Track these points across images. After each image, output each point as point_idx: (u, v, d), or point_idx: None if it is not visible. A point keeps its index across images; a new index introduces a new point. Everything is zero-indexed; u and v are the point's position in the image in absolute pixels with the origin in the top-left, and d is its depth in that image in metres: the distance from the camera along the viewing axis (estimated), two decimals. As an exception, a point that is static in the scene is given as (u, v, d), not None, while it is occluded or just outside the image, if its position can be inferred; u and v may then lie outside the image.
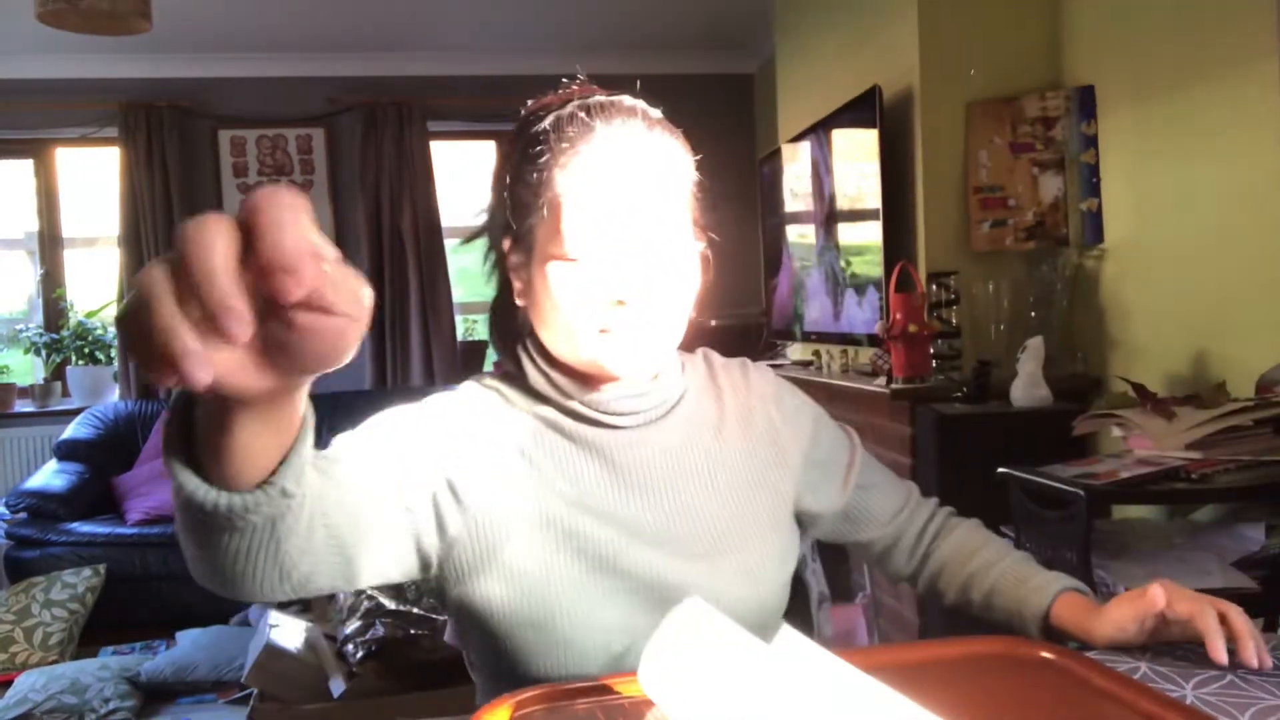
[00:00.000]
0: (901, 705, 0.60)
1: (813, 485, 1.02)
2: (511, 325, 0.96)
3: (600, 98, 0.88)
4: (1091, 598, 0.95)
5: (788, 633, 0.64)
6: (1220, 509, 2.04)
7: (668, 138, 0.88)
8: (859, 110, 3.00)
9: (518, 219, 0.88)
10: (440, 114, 4.80)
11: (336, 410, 4.48)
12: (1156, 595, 0.85)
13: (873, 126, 2.87)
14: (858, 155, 3.09)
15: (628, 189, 0.84)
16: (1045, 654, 0.82)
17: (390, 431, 0.85)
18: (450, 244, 4.94)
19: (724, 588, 0.89)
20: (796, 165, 3.79)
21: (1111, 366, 2.53)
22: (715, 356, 1.05)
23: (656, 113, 0.89)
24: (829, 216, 3.41)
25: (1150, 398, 1.95)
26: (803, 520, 1.04)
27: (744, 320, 4.48)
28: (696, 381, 0.99)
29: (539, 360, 0.92)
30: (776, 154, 4.03)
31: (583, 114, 0.86)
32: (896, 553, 1.10)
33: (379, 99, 4.68)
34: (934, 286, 2.68)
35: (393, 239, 4.73)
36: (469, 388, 0.94)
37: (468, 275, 5.48)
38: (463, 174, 5.28)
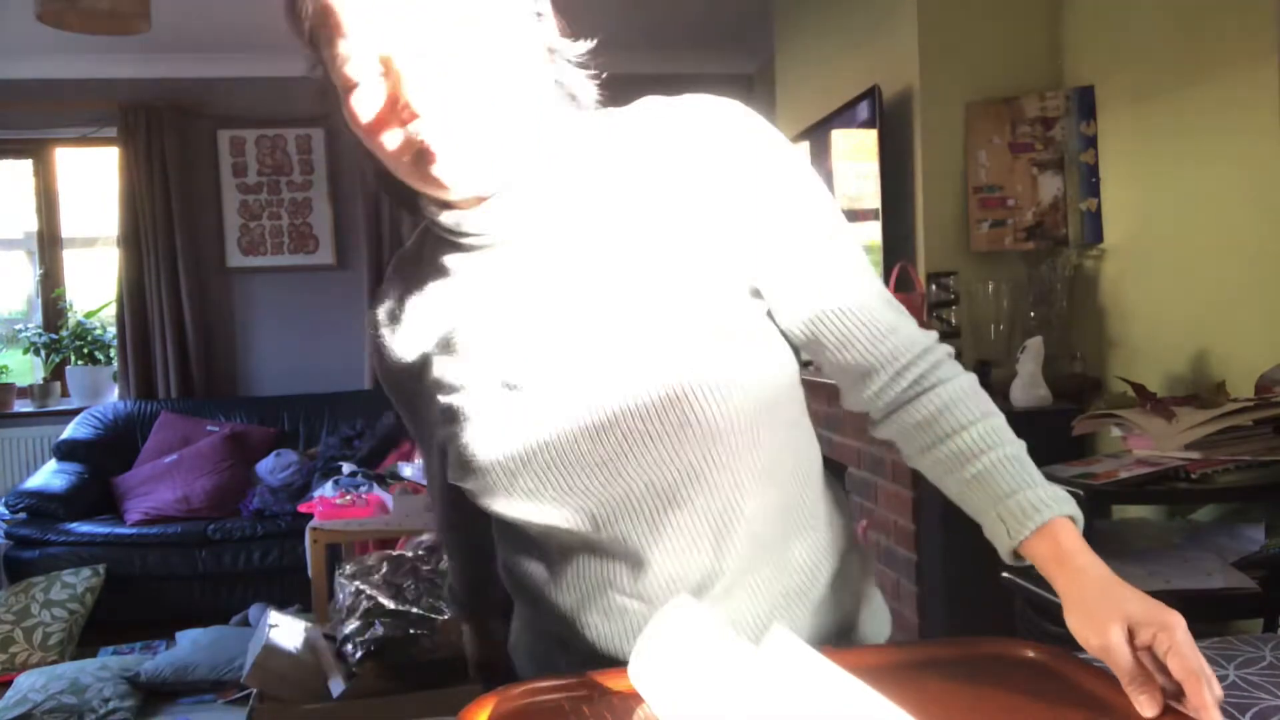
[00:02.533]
0: (885, 709, 0.60)
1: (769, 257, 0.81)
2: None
3: None
4: (1078, 527, 0.79)
5: (779, 632, 0.64)
6: (1220, 509, 2.04)
7: None
8: (858, 110, 3.00)
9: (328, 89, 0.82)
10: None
11: (336, 410, 4.50)
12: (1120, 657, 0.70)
13: (872, 126, 2.87)
14: (857, 155, 3.09)
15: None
16: (1037, 656, 0.80)
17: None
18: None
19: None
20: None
21: (1111, 366, 2.53)
22: (649, 105, 0.85)
23: None
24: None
25: (1150, 398, 1.95)
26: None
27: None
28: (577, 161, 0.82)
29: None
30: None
31: None
32: (866, 382, 0.86)
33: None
34: (933, 287, 2.68)
35: (392, 239, 4.73)
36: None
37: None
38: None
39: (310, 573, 2.98)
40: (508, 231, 0.80)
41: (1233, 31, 2.15)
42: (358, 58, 0.74)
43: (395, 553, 2.66)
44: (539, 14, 0.80)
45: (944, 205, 2.76)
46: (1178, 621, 0.68)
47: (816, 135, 3.46)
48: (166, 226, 4.57)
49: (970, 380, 0.86)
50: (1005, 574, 1.99)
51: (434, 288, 0.86)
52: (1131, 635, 0.70)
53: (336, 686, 2.33)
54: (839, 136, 3.26)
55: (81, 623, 3.54)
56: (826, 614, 0.91)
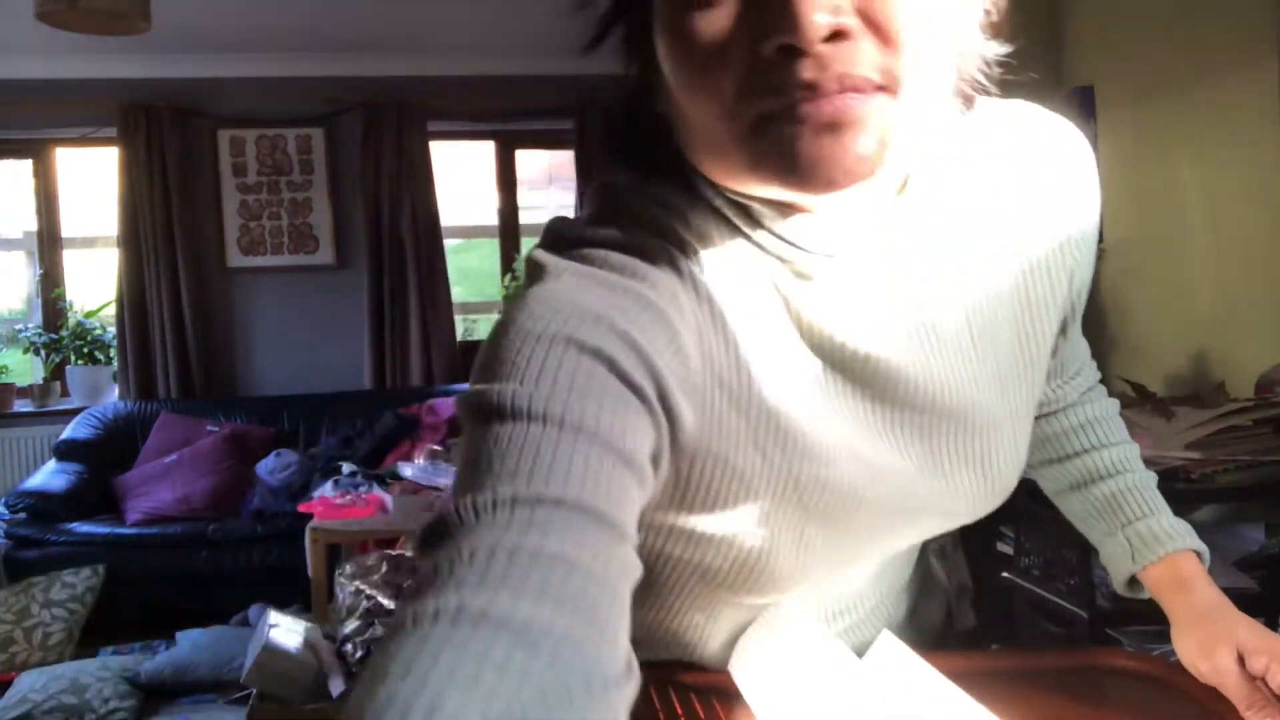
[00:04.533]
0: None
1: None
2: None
3: None
4: (1204, 563, 0.80)
5: (886, 639, 0.63)
6: (1220, 509, 2.04)
7: None
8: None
9: None
10: (440, 114, 4.81)
11: (335, 410, 4.50)
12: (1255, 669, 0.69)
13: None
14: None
15: None
16: (1146, 668, 0.77)
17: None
18: (450, 244, 4.95)
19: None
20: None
21: (1111, 366, 2.53)
22: (1030, 111, 0.69)
23: None
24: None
25: (1150, 397, 1.95)
26: None
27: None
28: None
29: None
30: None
31: None
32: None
33: (378, 99, 4.68)
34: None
35: (392, 239, 4.74)
36: None
37: (467, 275, 5.50)
38: (462, 174, 5.29)
39: (310, 573, 2.98)
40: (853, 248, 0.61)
41: (1231, 32, 2.15)
42: None
43: (395, 553, 2.66)
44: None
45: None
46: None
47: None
48: (166, 226, 4.57)
49: (1116, 405, 0.87)
50: (1005, 574, 1.99)
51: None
52: (1243, 661, 0.69)
53: (336, 686, 2.33)
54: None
55: (81, 623, 3.54)
56: (925, 610, 0.91)
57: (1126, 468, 0.83)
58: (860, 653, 0.69)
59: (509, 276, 5.08)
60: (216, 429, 4.37)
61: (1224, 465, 1.79)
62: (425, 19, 4.31)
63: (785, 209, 0.58)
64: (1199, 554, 0.79)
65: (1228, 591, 0.76)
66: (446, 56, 4.81)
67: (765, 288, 0.60)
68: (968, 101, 0.60)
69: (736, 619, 0.73)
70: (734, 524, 0.63)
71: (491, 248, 5.21)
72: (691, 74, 0.52)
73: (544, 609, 0.40)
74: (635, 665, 0.43)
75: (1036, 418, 0.84)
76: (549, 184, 5.54)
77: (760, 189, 0.57)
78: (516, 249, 5.17)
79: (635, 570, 0.47)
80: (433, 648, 0.38)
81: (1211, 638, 0.71)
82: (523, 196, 5.26)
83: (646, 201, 0.61)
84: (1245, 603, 0.75)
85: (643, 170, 0.62)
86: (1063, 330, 0.73)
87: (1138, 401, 1.96)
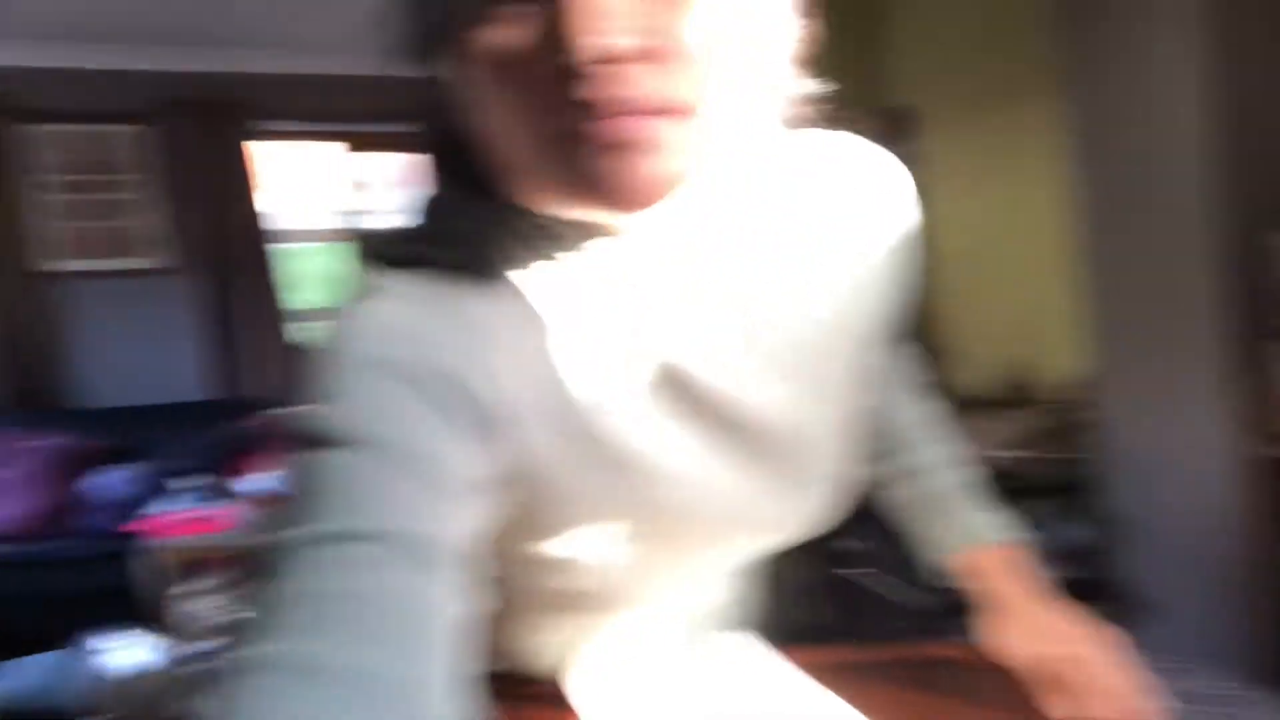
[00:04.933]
0: (839, 712, 0.60)
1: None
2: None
3: None
4: (1015, 554, 0.83)
5: (736, 638, 0.63)
6: (1034, 503, 2.22)
7: None
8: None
9: None
10: (282, 113, 4.65)
11: (173, 421, 4.29)
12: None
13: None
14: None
15: None
16: (971, 658, 0.79)
17: None
18: (299, 248, 4.81)
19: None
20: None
21: (935, 371, 2.71)
22: (848, 141, 0.72)
23: None
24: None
25: (970, 400, 2.10)
26: None
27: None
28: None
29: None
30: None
31: None
32: None
33: (209, 96, 4.48)
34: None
35: (224, 243, 4.55)
36: None
37: (318, 280, 5.35)
38: (310, 176, 5.15)
39: (146, 593, 2.85)
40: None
41: (1028, 65, 2.35)
42: None
43: (234, 570, 2.59)
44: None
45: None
46: (1098, 645, 0.73)
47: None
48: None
49: (938, 407, 0.91)
50: (845, 570, 2.10)
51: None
52: (1046, 649, 0.73)
53: (180, 708, 2.25)
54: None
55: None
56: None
57: (943, 465, 0.87)
58: (713, 655, 0.71)
59: (359, 282, 4.97)
60: (37, 443, 4.10)
61: (1035, 462, 1.95)
62: (265, 13, 4.17)
63: (597, 230, 0.59)
64: (1011, 546, 0.82)
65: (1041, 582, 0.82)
66: (287, 54, 4.66)
67: (585, 311, 0.60)
68: (783, 128, 0.63)
69: (587, 633, 0.75)
70: (574, 547, 0.63)
71: (343, 252, 5.09)
72: (493, 91, 0.52)
73: (357, 651, 0.42)
74: (471, 685, 0.46)
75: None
76: (405, 188, 5.44)
77: (566, 209, 0.57)
78: (367, 254, 5.06)
79: (456, 597, 0.48)
80: (258, 696, 0.41)
81: (1017, 626, 0.76)
82: (375, 200, 5.17)
83: (468, 220, 0.60)
84: (1054, 594, 0.82)
85: (466, 188, 0.61)
86: (884, 344, 0.76)
87: (960, 404, 2.11)
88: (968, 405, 2.09)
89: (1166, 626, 1.78)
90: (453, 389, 0.53)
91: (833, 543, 2.24)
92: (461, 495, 0.51)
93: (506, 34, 0.50)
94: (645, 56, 0.49)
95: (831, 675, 0.73)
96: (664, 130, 0.50)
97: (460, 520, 0.51)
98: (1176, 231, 1.66)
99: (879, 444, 0.88)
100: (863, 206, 0.70)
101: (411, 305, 0.56)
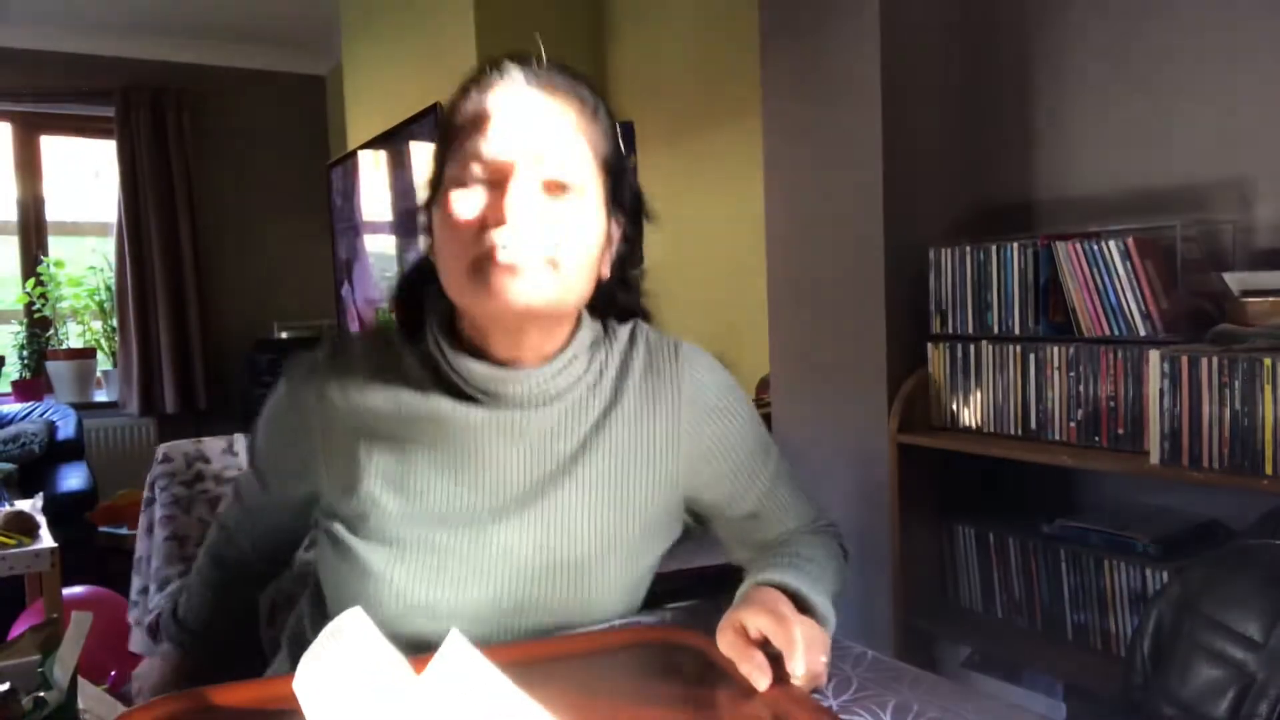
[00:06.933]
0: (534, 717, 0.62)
1: (706, 482, 0.97)
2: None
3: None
4: (793, 590, 0.90)
5: (454, 639, 0.63)
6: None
7: (568, 86, 0.88)
8: (425, 125, 3.06)
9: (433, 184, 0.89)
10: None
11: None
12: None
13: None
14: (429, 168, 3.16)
15: (520, 121, 0.84)
16: (694, 644, 0.85)
17: None
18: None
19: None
20: (370, 173, 3.76)
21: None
22: (649, 333, 1.02)
23: (562, 68, 0.91)
24: (405, 226, 3.44)
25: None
26: (699, 512, 1.01)
27: (315, 332, 4.35)
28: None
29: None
30: (350, 158, 3.97)
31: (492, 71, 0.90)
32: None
33: None
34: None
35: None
36: None
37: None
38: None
39: None
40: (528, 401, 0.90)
41: (737, 85, 2.54)
42: (491, 158, 0.82)
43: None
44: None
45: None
46: (775, 613, 0.80)
47: (392, 144, 3.47)
48: None
49: (836, 552, 1.01)
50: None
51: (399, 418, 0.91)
52: (750, 637, 0.80)
53: None
54: (414, 148, 3.30)
55: None
56: None
57: (804, 554, 0.95)
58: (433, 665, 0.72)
59: (32, 281, 4.47)
60: None
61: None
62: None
63: (486, 361, 0.88)
64: (787, 591, 0.88)
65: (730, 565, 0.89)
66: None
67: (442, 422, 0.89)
68: (620, 317, 0.99)
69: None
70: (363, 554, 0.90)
71: (11, 246, 4.53)
72: (446, 232, 0.83)
73: (212, 563, 1.14)
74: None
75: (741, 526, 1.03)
76: (95, 177, 4.89)
77: (478, 324, 0.87)
78: (43, 248, 4.55)
79: (255, 564, 1.13)
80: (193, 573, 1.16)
81: (727, 618, 0.84)
82: (52, 188, 4.65)
83: (381, 343, 0.94)
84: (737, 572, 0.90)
85: (406, 322, 0.93)
86: (730, 505, 0.99)
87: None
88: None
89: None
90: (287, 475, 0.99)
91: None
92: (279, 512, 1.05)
93: (459, 203, 0.82)
94: (538, 227, 0.81)
95: (548, 667, 0.78)
96: (542, 272, 0.81)
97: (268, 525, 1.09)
98: (853, 248, 1.86)
99: (752, 546, 1.02)
100: (669, 402, 0.96)
101: (289, 409, 0.95)
